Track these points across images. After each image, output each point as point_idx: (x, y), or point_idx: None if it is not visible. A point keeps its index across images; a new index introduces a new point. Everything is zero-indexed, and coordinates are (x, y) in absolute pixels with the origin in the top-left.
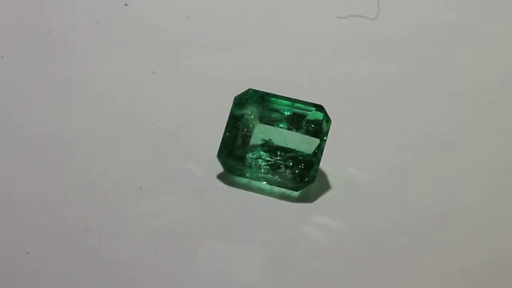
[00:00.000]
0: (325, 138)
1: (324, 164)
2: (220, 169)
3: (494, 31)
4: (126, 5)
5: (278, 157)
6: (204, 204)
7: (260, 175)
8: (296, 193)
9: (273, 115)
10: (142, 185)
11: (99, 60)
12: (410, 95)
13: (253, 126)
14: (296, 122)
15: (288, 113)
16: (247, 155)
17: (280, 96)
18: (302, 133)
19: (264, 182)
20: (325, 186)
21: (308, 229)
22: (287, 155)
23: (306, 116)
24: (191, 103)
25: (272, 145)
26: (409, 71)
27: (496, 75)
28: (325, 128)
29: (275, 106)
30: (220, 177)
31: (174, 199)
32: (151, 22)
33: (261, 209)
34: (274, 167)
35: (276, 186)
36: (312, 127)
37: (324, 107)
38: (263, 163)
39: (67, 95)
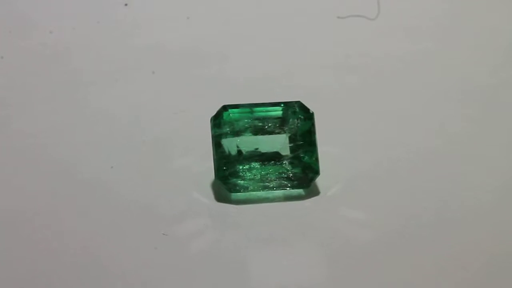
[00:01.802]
0: (312, 130)
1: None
2: (213, 190)
3: (495, 29)
4: (126, 5)
5: (278, 162)
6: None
7: (264, 184)
8: (300, 191)
9: (255, 124)
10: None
11: (99, 60)
12: (408, 92)
13: (238, 141)
14: (279, 124)
15: (269, 118)
16: (243, 170)
17: (255, 104)
18: (288, 132)
19: (268, 190)
20: (323, 177)
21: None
22: (286, 157)
23: (286, 115)
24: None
25: (263, 153)
26: (409, 70)
27: (498, 73)
28: (308, 122)
29: (255, 114)
30: (221, 198)
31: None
32: (151, 22)
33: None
34: (277, 173)
35: (284, 189)
36: (297, 124)
37: (319, 104)
38: (263, 173)
39: (66, 95)
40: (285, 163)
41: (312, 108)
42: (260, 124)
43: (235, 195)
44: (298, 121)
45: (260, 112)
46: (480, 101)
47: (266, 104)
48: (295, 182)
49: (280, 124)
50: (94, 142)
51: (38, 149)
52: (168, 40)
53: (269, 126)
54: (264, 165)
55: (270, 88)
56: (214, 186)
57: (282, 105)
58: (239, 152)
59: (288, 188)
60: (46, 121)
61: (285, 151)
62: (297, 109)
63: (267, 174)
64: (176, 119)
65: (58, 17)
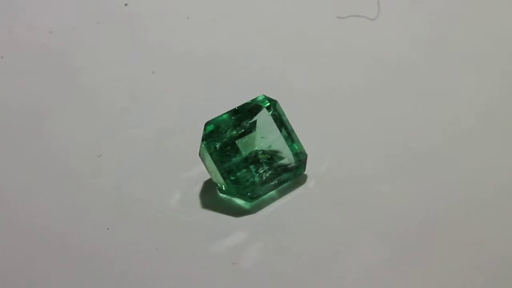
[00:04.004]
0: (284, 118)
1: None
2: (219, 205)
3: (497, 28)
4: (126, 5)
5: (275, 160)
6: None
7: (269, 184)
8: (291, 182)
9: (235, 131)
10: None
11: (99, 60)
12: (407, 92)
13: (231, 149)
14: (252, 122)
15: (243, 120)
16: (250, 177)
17: (229, 111)
18: (263, 126)
19: (275, 188)
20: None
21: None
22: (273, 152)
23: (256, 112)
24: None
25: (251, 155)
26: (409, 70)
27: (498, 74)
28: (276, 111)
29: (231, 122)
30: (235, 211)
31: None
32: (151, 22)
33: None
34: (278, 169)
35: (287, 182)
36: (267, 116)
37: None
38: (267, 175)
39: (66, 95)
40: (277, 157)
41: (311, 107)
42: (240, 128)
43: (245, 204)
44: (269, 113)
45: (234, 117)
46: (478, 103)
47: (237, 108)
48: (294, 171)
49: (253, 122)
50: (94, 144)
51: (38, 150)
52: (168, 40)
53: (246, 128)
54: (259, 166)
55: (270, 88)
56: (217, 201)
57: (249, 104)
58: (239, 159)
59: (292, 179)
60: (46, 121)
61: (267, 146)
62: (263, 103)
63: (269, 174)
64: (176, 121)
65: (58, 17)
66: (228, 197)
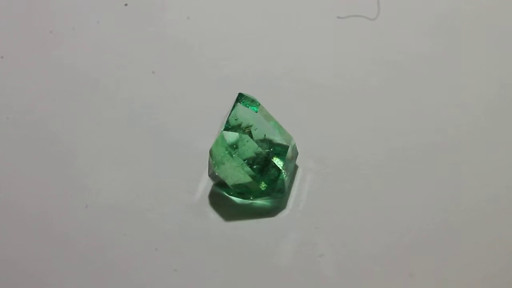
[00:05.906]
0: (265, 110)
1: None
2: (252, 210)
3: (497, 29)
4: (126, 5)
5: (285, 150)
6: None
7: (289, 174)
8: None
9: (241, 134)
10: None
11: (99, 60)
12: (407, 92)
13: (249, 150)
14: (242, 122)
15: (237, 119)
16: (273, 172)
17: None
18: (250, 122)
19: (289, 179)
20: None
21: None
22: (279, 142)
23: (239, 112)
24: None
25: (265, 152)
26: (409, 71)
27: (498, 76)
28: (254, 105)
29: (231, 126)
30: (267, 213)
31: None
32: (151, 22)
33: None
34: (288, 160)
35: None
36: (250, 112)
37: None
38: (284, 167)
39: (66, 95)
40: (283, 147)
41: (318, 110)
42: (242, 130)
43: (265, 203)
44: (249, 109)
45: (232, 121)
46: (479, 105)
47: (229, 113)
48: (295, 158)
49: (245, 120)
50: (97, 146)
51: (38, 152)
52: (168, 40)
53: (241, 128)
54: (276, 160)
55: (271, 88)
56: (240, 209)
57: (235, 105)
58: (259, 161)
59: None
60: (45, 122)
61: (263, 136)
62: (242, 101)
63: (283, 165)
64: (177, 122)
65: (58, 17)
66: (248, 201)
